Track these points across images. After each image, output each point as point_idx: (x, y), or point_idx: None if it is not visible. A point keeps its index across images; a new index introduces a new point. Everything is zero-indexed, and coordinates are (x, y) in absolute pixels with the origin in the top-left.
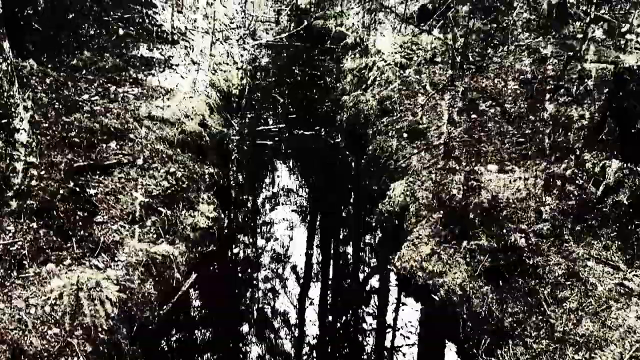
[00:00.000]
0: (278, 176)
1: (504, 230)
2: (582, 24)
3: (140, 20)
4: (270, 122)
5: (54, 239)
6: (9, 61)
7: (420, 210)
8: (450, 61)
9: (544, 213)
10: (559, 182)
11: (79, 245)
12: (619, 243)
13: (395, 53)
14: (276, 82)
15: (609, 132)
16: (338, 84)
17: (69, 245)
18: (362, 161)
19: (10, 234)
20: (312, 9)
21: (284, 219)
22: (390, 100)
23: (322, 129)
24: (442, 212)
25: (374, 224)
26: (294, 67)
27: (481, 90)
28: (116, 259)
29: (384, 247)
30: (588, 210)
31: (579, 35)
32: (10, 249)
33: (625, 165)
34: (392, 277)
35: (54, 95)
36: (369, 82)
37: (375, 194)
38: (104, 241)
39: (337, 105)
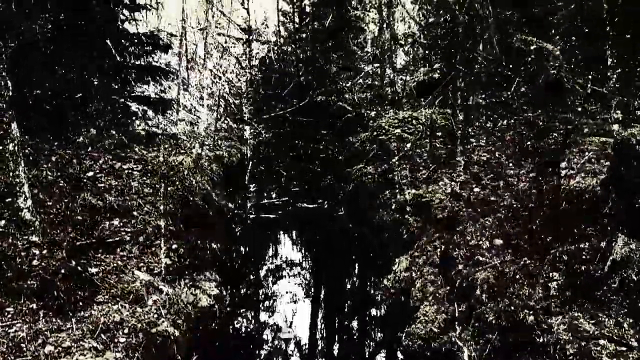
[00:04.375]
0: (281, 249)
1: (512, 307)
2: (579, 97)
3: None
4: (273, 195)
5: (54, 320)
6: (16, 141)
7: (426, 286)
8: (451, 135)
9: (551, 289)
10: (565, 257)
11: (79, 327)
12: (631, 320)
13: (396, 127)
14: (279, 156)
15: (612, 206)
16: (340, 157)
17: (68, 326)
18: (366, 234)
19: (10, 316)
20: (315, 84)
21: (287, 292)
22: (392, 173)
23: (325, 202)
24: (448, 288)
25: (379, 298)
26: (296, 141)
27: (483, 164)
28: (116, 340)
29: (390, 322)
30: (596, 286)
31: (578, 109)
32: (9, 331)
33: (631, 240)
34: (399, 354)
35: (59, 173)
36: (371, 155)
37: (380, 267)
38: (104, 322)
39: (340, 178)
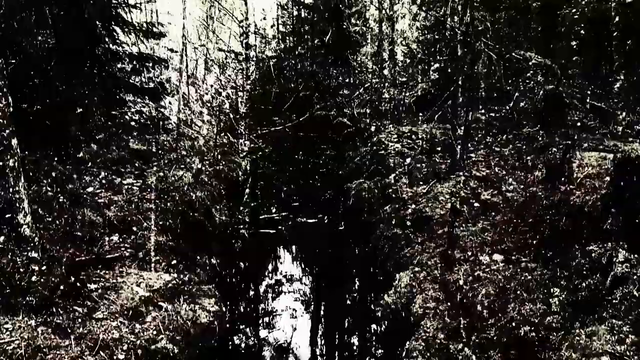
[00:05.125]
0: (281, 263)
1: (514, 323)
2: (579, 112)
3: (148, 114)
4: (273, 210)
5: (52, 336)
6: (16, 157)
7: (426, 301)
8: (450, 150)
9: (552, 305)
10: (565, 273)
11: (78, 344)
12: (633, 337)
13: (396, 142)
14: (279, 171)
15: (613, 222)
16: (340, 172)
17: (67, 343)
18: (366, 249)
19: (8, 332)
20: (315, 99)
21: (286, 307)
22: (392, 188)
23: (325, 217)
24: (449, 304)
25: (379, 315)
26: (296, 156)
27: (483, 179)
28: (115, 357)
29: (391, 338)
30: (598, 301)
31: (577, 124)
32: (7, 348)
33: (631, 256)
34: None
35: (59, 189)
36: (371, 170)
37: (380, 283)
38: (103, 338)
39: (340, 193)
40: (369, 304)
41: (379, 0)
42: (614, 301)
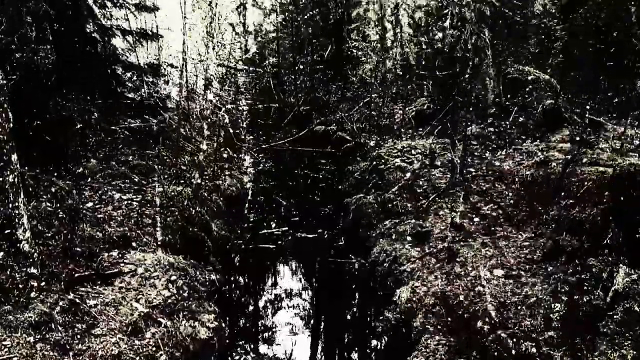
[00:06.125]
0: (281, 278)
1: (514, 339)
2: (577, 127)
3: (147, 129)
4: (273, 225)
5: (51, 353)
6: (16, 173)
7: (427, 317)
8: (450, 165)
9: (553, 321)
10: (566, 288)
11: None
12: (635, 353)
13: (396, 157)
14: (279, 186)
15: (613, 237)
16: (340, 187)
17: None
18: (366, 264)
19: (6, 349)
20: (314, 114)
21: (286, 323)
22: (392, 203)
23: (325, 232)
24: (449, 319)
25: (379, 330)
26: (296, 171)
27: (482, 194)
28: None
29: (391, 354)
30: (599, 317)
31: (576, 138)
32: None
33: (632, 271)
34: None
35: (58, 205)
36: (370, 185)
37: (380, 298)
38: (102, 355)
39: (340, 207)
40: (369, 319)
41: None
42: (615, 317)
